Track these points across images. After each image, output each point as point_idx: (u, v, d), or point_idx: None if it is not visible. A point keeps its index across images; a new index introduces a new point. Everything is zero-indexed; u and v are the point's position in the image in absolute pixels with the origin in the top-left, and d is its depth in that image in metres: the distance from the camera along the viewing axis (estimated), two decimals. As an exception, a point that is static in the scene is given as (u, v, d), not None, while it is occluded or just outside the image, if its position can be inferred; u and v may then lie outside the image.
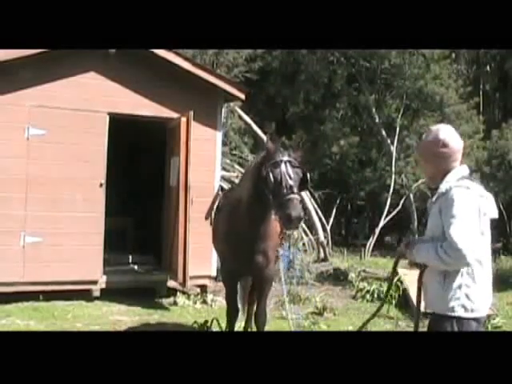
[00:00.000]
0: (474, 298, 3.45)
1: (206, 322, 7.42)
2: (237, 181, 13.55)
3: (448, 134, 3.65)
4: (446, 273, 3.46)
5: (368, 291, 10.64)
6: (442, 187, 3.54)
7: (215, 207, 6.94)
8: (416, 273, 3.79)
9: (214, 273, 10.07)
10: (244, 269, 6.09)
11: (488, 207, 3.57)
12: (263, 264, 5.98)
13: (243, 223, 5.73)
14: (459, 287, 3.44)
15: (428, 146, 3.67)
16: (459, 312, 3.43)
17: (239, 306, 6.63)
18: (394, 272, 4.24)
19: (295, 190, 5.08)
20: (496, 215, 3.63)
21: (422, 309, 3.70)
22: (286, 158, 5.24)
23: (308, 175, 5.34)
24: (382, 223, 18.74)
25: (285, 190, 5.04)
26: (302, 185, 5.28)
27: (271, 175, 5.15)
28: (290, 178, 5.12)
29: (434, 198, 3.62)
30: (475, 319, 3.47)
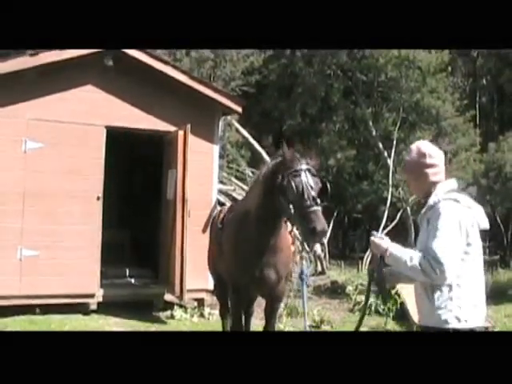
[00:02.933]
0: (466, 309, 3.47)
1: (204, 335, 7.39)
2: (234, 194, 13.59)
3: (429, 147, 3.73)
4: (434, 287, 3.48)
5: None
6: (431, 200, 3.58)
7: (219, 223, 6.46)
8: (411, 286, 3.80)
9: (211, 286, 10.02)
10: (254, 285, 5.75)
11: (478, 219, 3.59)
12: (275, 280, 5.66)
13: (252, 235, 5.45)
14: (450, 299, 3.46)
15: (414, 161, 3.69)
16: (453, 323, 3.44)
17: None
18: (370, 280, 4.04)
19: (318, 201, 4.80)
20: (487, 226, 3.65)
21: (416, 322, 3.70)
22: (305, 167, 4.97)
23: (328, 185, 5.03)
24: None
25: (308, 202, 4.76)
26: (322, 195, 4.92)
27: (293, 185, 4.86)
28: (312, 188, 4.84)
29: (422, 211, 3.65)
30: (471, 330, 3.48)
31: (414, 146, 3.77)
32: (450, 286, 3.46)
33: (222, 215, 6.53)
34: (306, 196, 4.80)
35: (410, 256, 3.45)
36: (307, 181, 4.88)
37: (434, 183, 3.65)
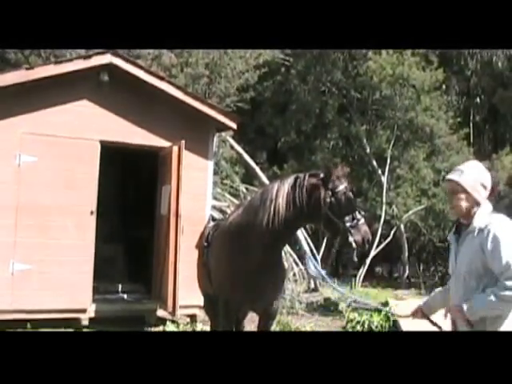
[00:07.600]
0: None
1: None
2: (228, 210, 13.55)
3: (483, 171, 3.78)
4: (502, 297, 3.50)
5: (358, 322, 10.56)
6: (480, 222, 3.63)
7: (204, 241, 6.49)
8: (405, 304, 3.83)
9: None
10: (251, 302, 5.73)
11: None
12: (273, 297, 5.68)
13: (256, 252, 5.37)
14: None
15: (476, 177, 3.72)
16: None
17: None
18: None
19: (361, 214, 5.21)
20: None
21: None
22: (346, 183, 5.24)
23: None
24: (372, 253, 18.69)
25: (358, 215, 5.17)
26: None
27: (344, 199, 5.14)
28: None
29: (475, 233, 3.64)
30: None
31: (475, 163, 3.81)
32: None
33: (206, 233, 6.54)
34: (354, 209, 5.19)
35: (483, 298, 3.48)
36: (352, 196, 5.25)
37: (478, 204, 3.71)
